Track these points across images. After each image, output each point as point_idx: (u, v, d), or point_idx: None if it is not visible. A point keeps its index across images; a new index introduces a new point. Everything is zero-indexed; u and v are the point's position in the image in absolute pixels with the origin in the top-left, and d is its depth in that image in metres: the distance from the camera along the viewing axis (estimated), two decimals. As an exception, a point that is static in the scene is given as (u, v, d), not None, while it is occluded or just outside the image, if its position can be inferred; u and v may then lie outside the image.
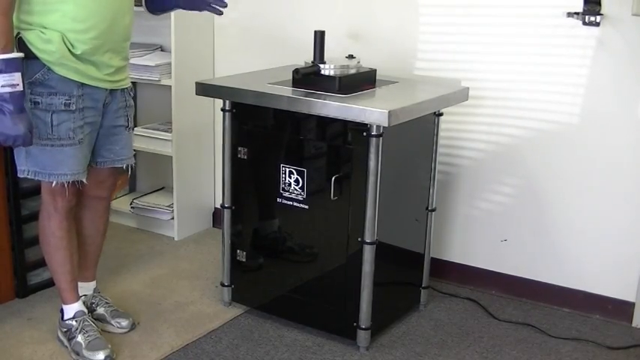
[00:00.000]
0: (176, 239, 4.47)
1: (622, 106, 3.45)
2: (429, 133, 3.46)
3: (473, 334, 3.50)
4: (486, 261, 3.91)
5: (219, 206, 3.79)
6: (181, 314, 3.58)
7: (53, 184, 3.02)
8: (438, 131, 3.48)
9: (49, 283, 3.67)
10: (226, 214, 3.52)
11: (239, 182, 3.47)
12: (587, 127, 3.53)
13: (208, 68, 4.43)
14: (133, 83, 3.97)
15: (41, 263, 3.63)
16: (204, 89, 3.40)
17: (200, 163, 4.52)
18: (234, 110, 3.37)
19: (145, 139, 4.37)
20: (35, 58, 2.88)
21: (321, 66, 3.22)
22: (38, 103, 2.92)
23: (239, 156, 3.40)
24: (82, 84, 2.97)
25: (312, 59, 3.29)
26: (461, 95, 3.47)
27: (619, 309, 3.62)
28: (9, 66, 2.71)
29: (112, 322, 3.42)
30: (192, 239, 4.50)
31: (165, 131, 4.33)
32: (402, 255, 3.55)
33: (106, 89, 3.07)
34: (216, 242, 3.84)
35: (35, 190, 3.61)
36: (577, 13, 3.40)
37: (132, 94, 3.28)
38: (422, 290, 3.67)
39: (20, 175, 3.06)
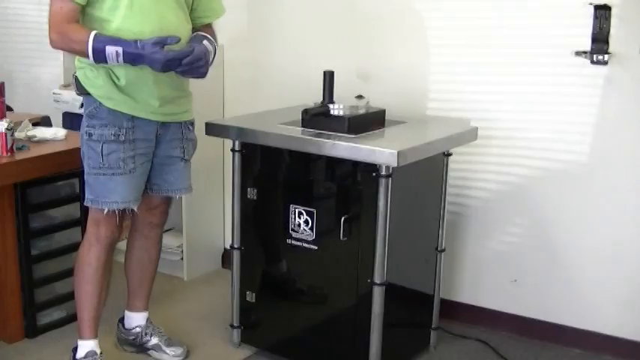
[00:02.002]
0: (185, 280, 4.47)
1: (631, 144, 3.45)
2: (438, 173, 3.46)
3: (484, 375, 3.49)
4: (496, 301, 3.89)
5: (228, 247, 3.79)
6: (191, 356, 3.56)
7: (105, 212, 3.14)
8: (447, 171, 3.48)
9: (59, 323, 3.68)
10: (236, 255, 3.52)
11: (248, 223, 3.48)
12: (597, 166, 3.53)
13: (218, 108, 4.45)
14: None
15: (52, 303, 3.64)
16: (214, 129, 3.42)
17: (209, 204, 4.52)
18: (243, 151, 3.38)
19: (154, 180, 4.36)
20: (88, 93, 3.09)
21: (331, 106, 3.23)
22: (92, 134, 3.09)
23: (249, 196, 3.41)
24: (133, 117, 3.10)
25: (321, 99, 3.31)
26: (470, 135, 3.48)
27: (631, 350, 3.59)
28: (99, 42, 2.89)
29: (168, 350, 3.52)
30: (202, 280, 4.50)
31: (174, 171, 4.32)
32: (411, 296, 3.54)
33: (158, 122, 3.18)
34: (226, 283, 3.83)
35: (45, 230, 3.63)
36: (585, 52, 3.43)
37: (192, 128, 3.37)
38: (432, 331, 3.65)
39: (86, 204, 3.20)
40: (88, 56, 2.92)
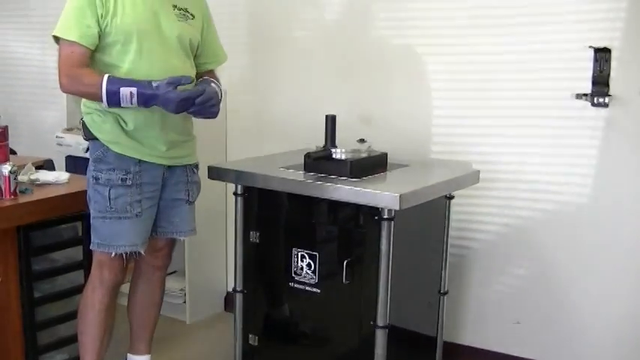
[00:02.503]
0: (188, 323, 4.46)
1: (632, 186, 3.45)
2: (441, 216, 3.47)
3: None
4: (499, 344, 3.87)
5: (231, 290, 3.79)
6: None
7: (112, 255, 3.16)
8: (450, 214, 3.49)
9: (62, 366, 3.67)
10: (238, 298, 3.52)
11: (251, 266, 3.47)
12: (599, 208, 3.54)
13: (220, 152, 4.47)
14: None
15: (54, 346, 3.62)
16: (217, 173, 3.43)
17: (212, 247, 4.52)
18: (246, 194, 3.39)
19: (157, 223, 4.37)
20: (95, 138, 3.12)
21: (333, 150, 3.25)
22: (99, 178, 3.13)
23: (251, 240, 3.41)
24: (140, 161, 3.13)
25: (323, 143, 3.32)
26: (472, 178, 3.49)
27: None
28: (113, 84, 2.93)
29: None
30: (204, 323, 4.49)
31: (177, 215, 4.32)
32: (414, 338, 3.53)
33: (164, 165, 3.22)
34: (228, 326, 3.82)
35: (48, 273, 3.63)
36: (586, 95, 3.45)
37: (196, 171, 3.41)
38: (435, 374, 3.64)
39: (92, 248, 3.22)
40: (101, 99, 2.95)
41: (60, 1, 5.06)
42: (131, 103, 2.94)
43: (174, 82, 2.97)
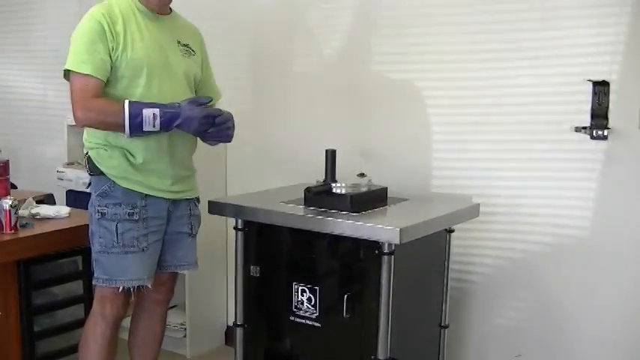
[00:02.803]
0: (188, 357, 4.45)
1: (632, 218, 3.45)
2: (441, 250, 3.47)
3: None
4: (501, 377, 3.86)
5: (231, 324, 3.78)
6: None
7: (120, 290, 3.16)
8: (450, 247, 3.49)
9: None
10: (239, 333, 3.50)
11: (252, 300, 3.47)
12: (599, 240, 3.54)
13: (221, 187, 4.48)
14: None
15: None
16: (217, 208, 3.43)
17: (213, 281, 4.52)
18: (246, 229, 3.39)
19: (157, 257, 4.37)
20: (101, 173, 3.12)
21: (333, 184, 3.26)
22: (105, 213, 3.13)
23: (252, 274, 3.41)
24: (146, 195, 3.15)
25: (323, 178, 3.33)
26: (472, 211, 3.50)
27: None
28: (134, 115, 2.96)
29: None
30: (205, 357, 4.48)
31: (178, 249, 4.32)
32: (415, 373, 3.52)
33: (169, 200, 3.25)
34: (229, 360, 3.82)
35: (48, 307, 3.62)
36: (585, 128, 3.45)
37: (197, 204, 3.44)
38: (437, 408, 3.63)
39: (95, 283, 3.23)
40: (122, 126, 2.96)
41: (60, 36, 5.13)
42: (154, 126, 2.97)
43: (195, 102, 3.05)
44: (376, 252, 3.02)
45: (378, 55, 4.04)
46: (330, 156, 3.34)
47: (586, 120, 3.47)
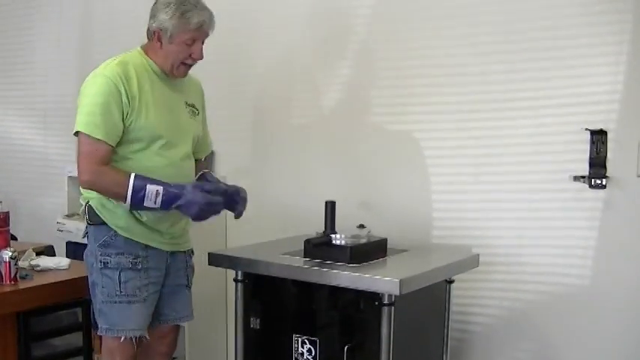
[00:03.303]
0: (188, 409, 4.41)
1: (632, 266, 3.45)
2: (441, 301, 3.46)
3: None
4: None
5: (231, 376, 3.76)
6: None
7: (122, 339, 3.14)
8: (450, 298, 3.48)
9: None
10: (239, 385, 3.49)
11: (252, 352, 3.44)
12: (599, 288, 3.53)
13: (220, 238, 4.48)
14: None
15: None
16: (217, 260, 3.43)
17: (213, 333, 4.49)
18: (246, 280, 3.39)
19: (157, 309, 4.35)
20: (103, 223, 3.12)
21: (333, 236, 3.27)
22: (107, 262, 3.13)
23: (251, 326, 3.39)
24: (146, 246, 3.16)
25: (323, 229, 3.34)
26: (471, 262, 3.50)
27: None
28: (138, 189, 2.97)
29: None
30: (206, 409, 4.44)
31: (177, 300, 4.30)
32: None
33: (168, 251, 3.25)
34: (229, 413, 3.79)
35: (48, 359, 3.61)
36: (583, 177, 3.47)
37: (192, 256, 3.45)
38: None
39: (98, 332, 3.22)
40: (124, 198, 2.97)
41: (61, 87, 5.17)
42: (154, 203, 2.98)
43: (200, 187, 3.08)
44: (376, 303, 3.01)
45: (377, 106, 4.07)
46: (330, 207, 3.35)
47: (584, 169, 3.48)
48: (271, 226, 4.26)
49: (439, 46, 3.86)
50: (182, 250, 3.36)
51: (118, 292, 3.13)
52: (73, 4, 5.31)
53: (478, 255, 3.52)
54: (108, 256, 3.13)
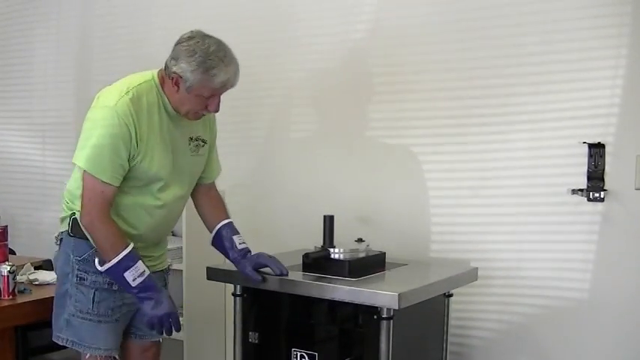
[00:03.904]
0: None
1: (630, 279, 3.46)
2: (440, 314, 3.45)
3: None
4: None
5: (230, 391, 3.76)
6: None
7: (87, 356, 3.10)
8: (449, 312, 3.48)
9: None
10: (238, 400, 3.48)
11: (250, 367, 3.45)
12: (598, 302, 3.54)
13: (219, 253, 4.46)
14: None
15: None
16: (215, 274, 3.43)
17: (211, 348, 4.48)
18: (244, 295, 3.38)
19: (155, 323, 4.35)
20: (86, 239, 3.02)
21: (331, 250, 3.26)
22: (84, 279, 3.06)
23: (250, 340, 3.39)
24: None
25: (321, 243, 3.34)
26: (470, 276, 3.50)
27: None
28: (130, 259, 2.90)
29: None
30: None
31: (176, 315, 4.29)
32: None
33: None
34: None
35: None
36: (581, 190, 3.48)
37: (169, 273, 3.43)
38: None
39: (55, 340, 3.17)
40: (108, 259, 2.91)
41: (59, 102, 5.18)
42: (133, 279, 2.92)
43: (173, 305, 3.05)
44: (375, 317, 3.01)
45: (375, 121, 4.08)
46: (328, 222, 3.35)
47: (582, 182, 3.49)
48: (270, 241, 4.24)
49: (437, 61, 3.87)
50: (159, 269, 3.31)
51: (89, 310, 3.07)
52: (71, 18, 5.32)
53: (477, 269, 3.52)
54: (85, 272, 3.06)
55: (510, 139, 3.68)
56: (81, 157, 2.93)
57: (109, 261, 2.91)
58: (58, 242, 3.20)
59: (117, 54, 5.03)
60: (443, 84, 3.84)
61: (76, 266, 3.08)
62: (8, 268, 3.44)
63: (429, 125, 3.89)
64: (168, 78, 2.99)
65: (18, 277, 3.58)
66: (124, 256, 2.90)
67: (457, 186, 3.82)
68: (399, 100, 3.98)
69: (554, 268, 3.62)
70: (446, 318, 3.48)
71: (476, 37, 3.76)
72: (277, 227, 4.31)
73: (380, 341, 3.01)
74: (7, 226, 3.79)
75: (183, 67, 2.91)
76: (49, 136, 5.40)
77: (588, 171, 3.49)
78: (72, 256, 3.10)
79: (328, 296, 3.08)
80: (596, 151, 3.46)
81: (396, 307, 2.92)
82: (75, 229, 3.08)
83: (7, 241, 3.76)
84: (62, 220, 3.17)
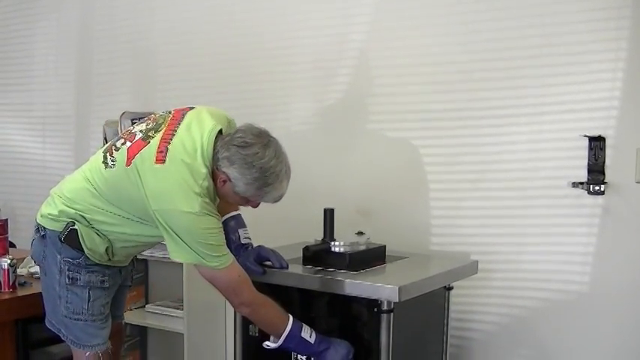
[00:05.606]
0: (188, 419, 4.40)
1: (631, 272, 3.46)
2: (440, 307, 3.45)
3: None
4: None
5: (230, 384, 3.76)
6: None
7: (87, 354, 3.08)
8: (449, 305, 3.47)
9: None
10: (239, 393, 3.48)
11: (251, 360, 3.45)
12: (598, 295, 3.54)
13: (220, 245, 4.47)
14: (145, 261, 4.05)
15: None
16: (216, 267, 3.42)
17: (211, 341, 4.48)
18: (245, 288, 3.38)
19: (156, 316, 4.37)
20: (79, 248, 2.98)
21: (331, 243, 3.26)
22: (77, 279, 3.01)
23: (250, 333, 3.39)
24: (108, 266, 3.08)
25: (322, 236, 3.34)
26: (470, 269, 3.49)
27: None
28: (295, 321, 2.97)
29: None
30: (204, 419, 4.43)
31: (176, 308, 4.32)
32: None
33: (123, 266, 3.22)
34: (228, 422, 3.78)
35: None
36: (582, 183, 3.47)
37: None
38: None
39: (48, 325, 3.15)
40: (278, 332, 2.97)
41: (59, 94, 5.17)
42: (309, 336, 2.98)
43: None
44: (375, 310, 3.01)
45: (375, 113, 4.07)
46: (329, 215, 3.35)
47: (583, 175, 3.49)
48: (270, 234, 4.24)
49: (437, 53, 3.86)
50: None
51: (84, 311, 3.04)
52: (71, 11, 5.31)
53: (477, 262, 3.52)
54: (78, 272, 3.01)
55: (511, 132, 3.67)
56: (208, 262, 2.87)
57: (284, 331, 2.95)
58: (41, 234, 3.11)
59: (118, 46, 5.03)
60: (444, 77, 3.84)
61: (66, 267, 3.02)
62: (8, 262, 3.45)
63: (430, 118, 3.88)
64: (217, 170, 2.90)
65: (18, 270, 3.58)
66: (293, 320, 2.97)
67: (457, 179, 3.82)
68: (399, 93, 3.97)
69: (555, 261, 3.62)
70: (446, 311, 3.47)
71: (477, 31, 3.75)
72: (277, 220, 4.29)
73: (380, 334, 3.01)
74: (7, 219, 3.79)
75: (236, 176, 2.86)
76: (49, 129, 5.40)
77: (589, 164, 3.48)
78: (59, 256, 3.02)
79: (328, 289, 3.08)
80: (597, 144, 3.46)
81: (397, 300, 2.92)
82: (70, 238, 3.00)
83: (7, 234, 3.76)
84: (51, 218, 3.09)
